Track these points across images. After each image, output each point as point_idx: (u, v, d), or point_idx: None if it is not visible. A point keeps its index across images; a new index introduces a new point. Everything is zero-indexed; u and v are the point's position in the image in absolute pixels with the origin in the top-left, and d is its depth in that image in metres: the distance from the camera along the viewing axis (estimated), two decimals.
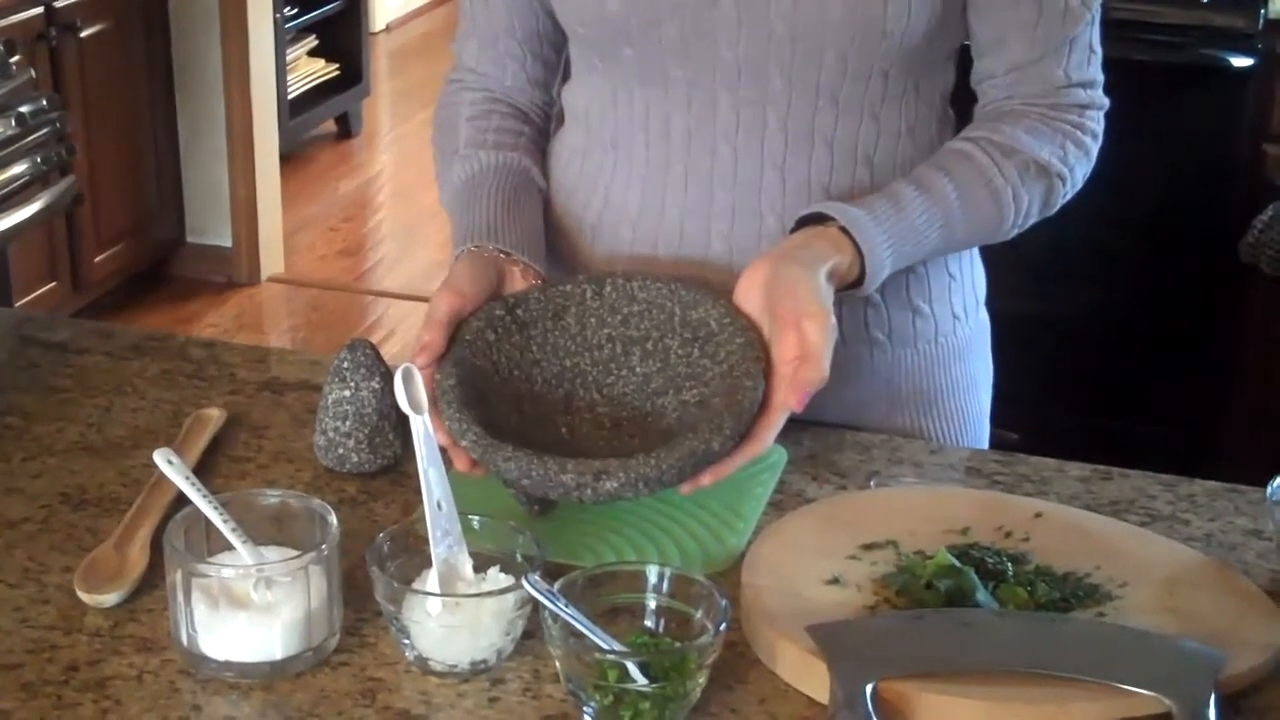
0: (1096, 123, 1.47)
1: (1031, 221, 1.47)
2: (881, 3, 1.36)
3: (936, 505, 1.31)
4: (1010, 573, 1.20)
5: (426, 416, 1.19)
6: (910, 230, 1.39)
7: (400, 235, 5.06)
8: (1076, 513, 1.32)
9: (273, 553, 1.17)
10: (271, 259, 4.61)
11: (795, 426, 1.30)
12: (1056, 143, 1.44)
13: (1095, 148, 1.48)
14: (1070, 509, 1.33)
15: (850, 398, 1.49)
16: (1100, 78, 1.47)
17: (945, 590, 1.17)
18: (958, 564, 1.19)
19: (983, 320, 1.60)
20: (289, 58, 5.10)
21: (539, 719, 1.10)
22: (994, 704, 1.08)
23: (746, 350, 1.28)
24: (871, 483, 1.39)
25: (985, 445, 1.60)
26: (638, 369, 1.37)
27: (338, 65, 5.49)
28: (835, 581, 1.21)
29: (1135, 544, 1.27)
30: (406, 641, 1.14)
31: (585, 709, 1.08)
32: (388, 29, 7.06)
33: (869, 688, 1.07)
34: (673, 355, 1.36)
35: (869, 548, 1.25)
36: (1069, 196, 1.48)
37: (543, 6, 1.53)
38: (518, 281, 1.39)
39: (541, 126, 1.61)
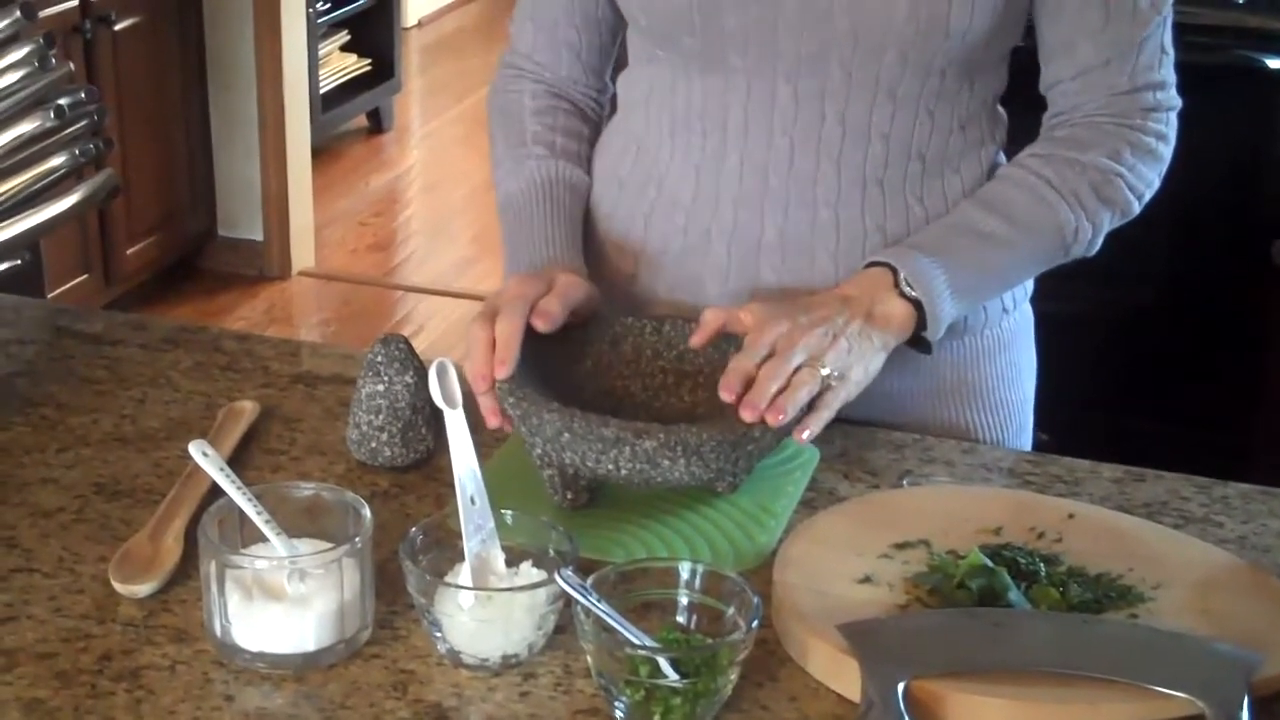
0: (1166, 124, 1.47)
1: (1104, 231, 1.47)
2: (946, 3, 1.36)
3: (969, 505, 1.31)
4: (1043, 573, 1.20)
5: (461, 411, 1.20)
6: (972, 276, 1.42)
7: (430, 230, 5.07)
8: (1109, 514, 1.32)
9: (306, 545, 1.18)
10: (302, 253, 4.62)
11: (828, 425, 1.30)
12: (1112, 148, 1.44)
13: (1166, 149, 1.47)
14: (1103, 510, 1.32)
15: (896, 390, 1.49)
16: (1171, 78, 1.46)
17: (977, 590, 1.17)
18: (990, 564, 1.18)
19: (1027, 312, 1.61)
20: (321, 53, 5.11)
21: (570, 713, 1.10)
22: (1025, 704, 1.07)
23: None
24: (904, 482, 1.39)
25: (1029, 436, 1.61)
26: (686, 398, 1.39)
27: (369, 61, 5.50)
28: (867, 580, 1.20)
29: (1168, 546, 1.27)
30: (438, 635, 1.14)
31: (616, 704, 1.08)
32: (419, 24, 7.07)
33: (901, 686, 1.07)
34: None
35: (901, 547, 1.24)
36: (1146, 197, 1.48)
37: None
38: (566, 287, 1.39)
39: (596, 121, 1.63)
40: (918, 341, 1.39)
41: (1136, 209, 1.47)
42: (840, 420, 1.35)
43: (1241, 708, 1.05)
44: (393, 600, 1.20)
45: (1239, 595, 1.20)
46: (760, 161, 1.46)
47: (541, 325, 1.32)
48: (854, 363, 1.31)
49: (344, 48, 5.43)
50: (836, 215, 1.45)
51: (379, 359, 1.38)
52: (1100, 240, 1.47)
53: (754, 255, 1.47)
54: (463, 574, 1.16)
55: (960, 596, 1.17)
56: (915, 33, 1.37)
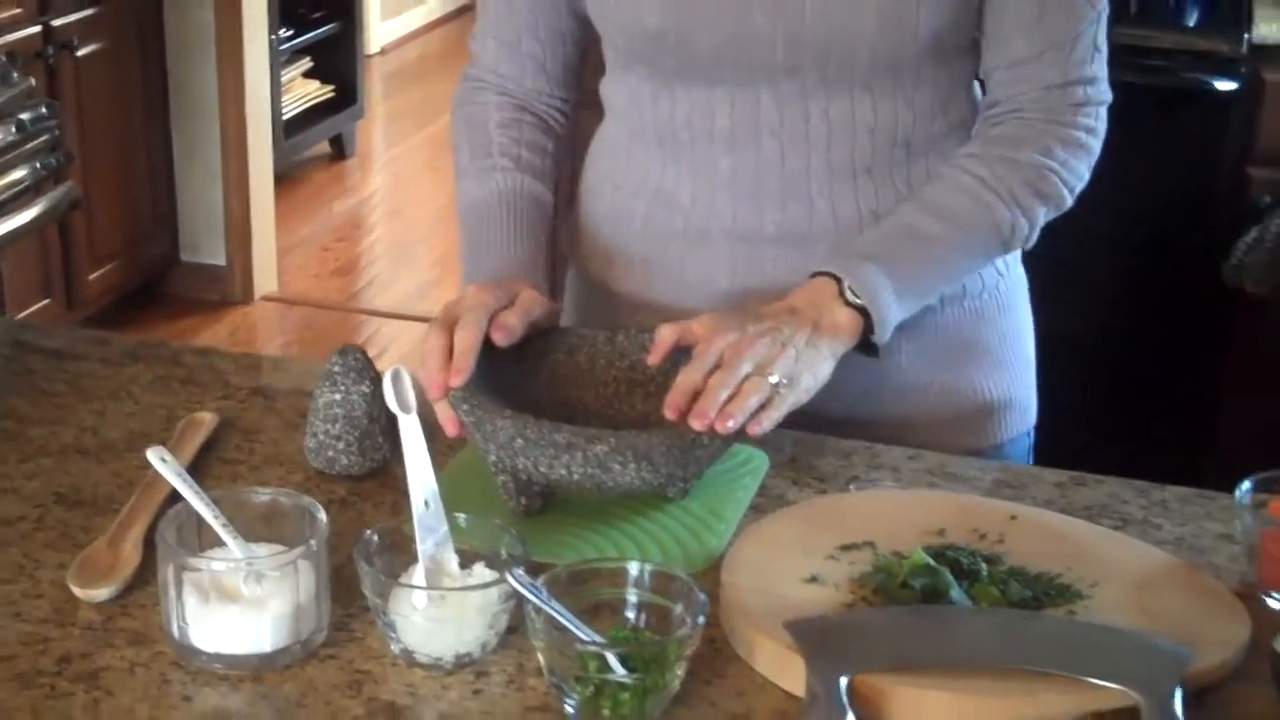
0: (1095, 119, 1.50)
1: (1039, 225, 1.50)
2: (914, 6, 1.41)
3: (913, 508, 1.34)
4: (984, 572, 1.23)
5: (415, 416, 1.22)
6: (915, 279, 1.45)
7: (393, 255, 5.09)
8: (1051, 516, 1.35)
9: (264, 550, 1.20)
10: (265, 278, 4.64)
11: (776, 432, 1.33)
12: (1044, 145, 1.47)
13: (1096, 143, 1.51)
14: (1044, 512, 1.35)
15: (903, 358, 1.53)
16: (1103, 74, 1.50)
17: (921, 589, 1.20)
18: (933, 564, 1.21)
19: (1020, 274, 1.64)
20: (284, 79, 5.13)
21: (522, 710, 1.12)
22: (966, 696, 1.10)
23: None
24: (851, 486, 1.42)
25: (1034, 393, 1.65)
26: (638, 406, 1.41)
27: (332, 87, 5.52)
28: (814, 580, 1.23)
29: (1107, 546, 1.30)
30: (393, 635, 1.16)
31: (567, 701, 1.11)
32: (383, 52, 7.09)
33: (844, 681, 1.09)
34: None
35: (847, 548, 1.27)
36: (1078, 189, 1.51)
37: (570, 8, 1.57)
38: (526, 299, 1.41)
39: (560, 134, 1.65)
40: (866, 345, 1.42)
41: (1069, 201, 1.50)
42: (793, 426, 1.38)
43: (1174, 699, 1.08)
44: (349, 604, 1.22)
45: (1174, 592, 1.23)
46: (751, 163, 1.49)
47: (500, 339, 1.35)
48: (802, 370, 1.34)
49: (307, 74, 5.44)
50: (832, 205, 1.49)
51: (336, 369, 1.41)
52: (1036, 234, 1.51)
53: (756, 249, 1.52)
54: (416, 575, 1.18)
55: (904, 595, 1.20)
56: (884, 39, 1.42)
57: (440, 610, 1.15)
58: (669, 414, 1.28)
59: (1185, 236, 3.10)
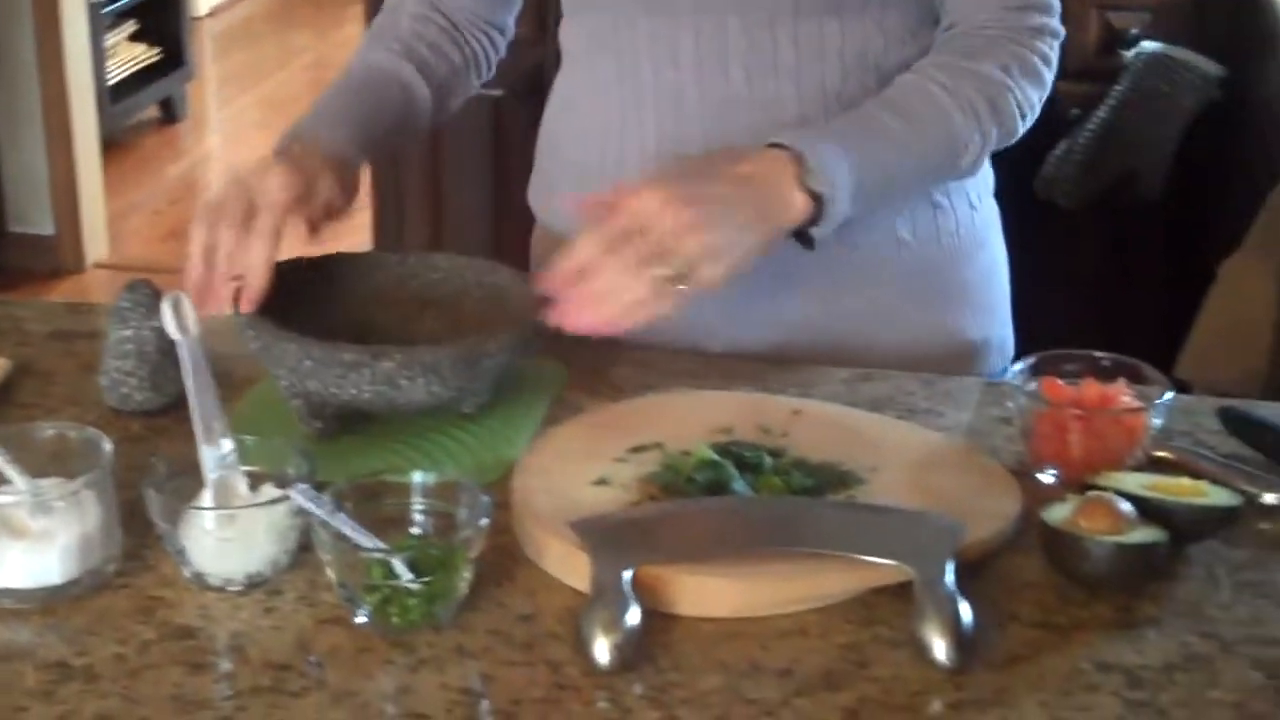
0: (1050, 49, 1.47)
1: (989, 149, 1.46)
2: None
3: (702, 408, 1.36)
4: (767, 464, 1.26)
5: (195, 339, 1.22)
6: (874, 178, 1.39)
7: None
8: (835, 409, 1.38)
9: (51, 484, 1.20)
10: (96, 245, 4.57)
11: (574, 342, 1.33)
12: (1002, 61, 1.44)
13: (1049, 74, 1.47)
14: (829, 405, 1.39)
15: (883, 302, 1.52)
16: (1057, 6, 1.47)
17: (704, 482, 1.23)
18: (716, 458, 1.24)
19: (992, 206, 1.62)
20: (108, 43, 5.04)
21: (314, 624, 1.13)
22: (746, 581, 1.13)
23: (535, 293, 1.32)
24: (647, 395, 1.44)
25: (1011, 329, 1.63)
26: (430, 324, 1.42)
27: (160, 50, 5.44)
28: (602, 482, 1.25)
29: (887, 433, 1.33)
30: (184, 560, 1.17)
31: (358, 611, 1.12)
32: (212, 14, 6.98)
33: (628, 574, 1.12)
34: (465, 312, 1.42)
35: (636, 450, 1.29)
36: (1029, 120, 1.47)
37: None
38: (325, 190, 1.39)
39: (479, 60, 1.63)
40: (800, 235, 1.36)
41: (1020, 129, 1.47)
42: (588, 339, 1.37)
43: (946, 571, 1.12)
44: (145, 535, 1.22)
45: (951, 472, 1.27)
46: (718, 96, 1.47)
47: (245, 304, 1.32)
48: (710, 259, 1.26)
49: (133, 37, 5.35)
50: None
51: (125, 305, 1.40)
52: (984, 160, 1.48)
53: None
54: (205, 498, 1.19)
55: (689, 490, 1.23)
56: None
57: (229, 531, 1.16)
58: (542, 284, 1.26)
59: (996, 151, 3.15)
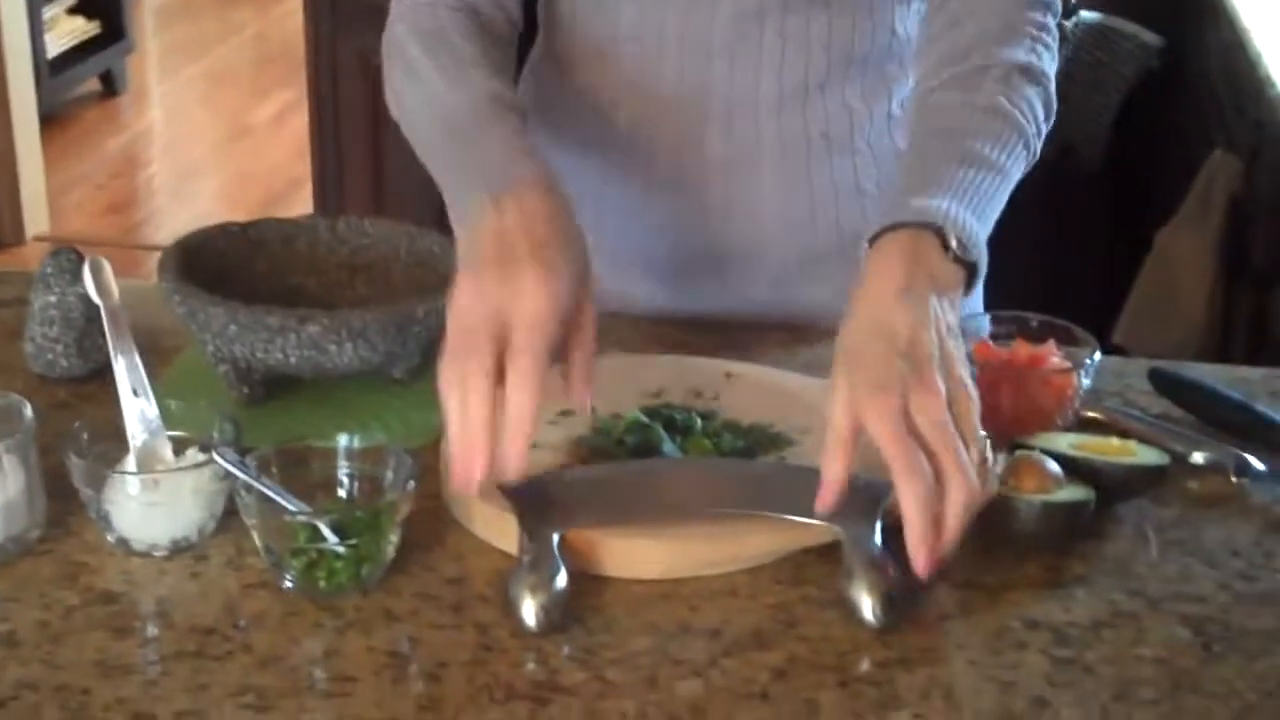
0: (1053, 39, 1.40)
1: (1044, 130, 1.36)
2: None
3: (634, 371, 1.36)
4: (698, 427, 1.25)
5: (116, 302, 1.21)
6: (992, 219, 1.27)
7: (170, 190, 5.00)
8: (768, 371, 1.38)
9: None
10: (36, 218, 4.53)
11: None
12: (1029, 46, 1.36)
13: (1052, 69, 1.38)
14: (762, 368, 1.38)
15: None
16: (1058, 7, 1.42)
17: (634, 445, 1.22)
18: (645, 420, 1.24)
19: None
20: (47, 16, 4.99)
21: (240, 589, 1.12)
22: (674, 543, 1.13)
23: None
24: None
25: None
26: (360, 290, 1.42)
27: (99, 23, 5.38)
28: (532, 446, 1.24)
29: (819, 395, 1.32)
30: (107, 525, 1.15)
31: (285, 575, 1.11)
32: None
33: (556, 537, 1.11)
34: (395, 278, 1.42)
35: (567, 413, 1.29)
36: (1053, 109, 1.37)
37: None
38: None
39: (509, 46, 1.52)
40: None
41: (1054, 111, 1.38)
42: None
43: (874, 530, 1.12)
44: (70, 501, 1.20)
45: None
46: (697, 83, 1.45)
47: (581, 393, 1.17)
48: (965, 386, 1.12)
49: (72, 10, 5.29)
50: (780, 126, 1.46)
51: (49, 271, 1.38)
52: (1041, 135, 1.36)
53: (700, 171, 1.48)
54: (128, 463, 1.17)
55: (618, 453, 1.22)
56: None
57: (153, 495, 1.14)
58: (919, 567, 1.07)
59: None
